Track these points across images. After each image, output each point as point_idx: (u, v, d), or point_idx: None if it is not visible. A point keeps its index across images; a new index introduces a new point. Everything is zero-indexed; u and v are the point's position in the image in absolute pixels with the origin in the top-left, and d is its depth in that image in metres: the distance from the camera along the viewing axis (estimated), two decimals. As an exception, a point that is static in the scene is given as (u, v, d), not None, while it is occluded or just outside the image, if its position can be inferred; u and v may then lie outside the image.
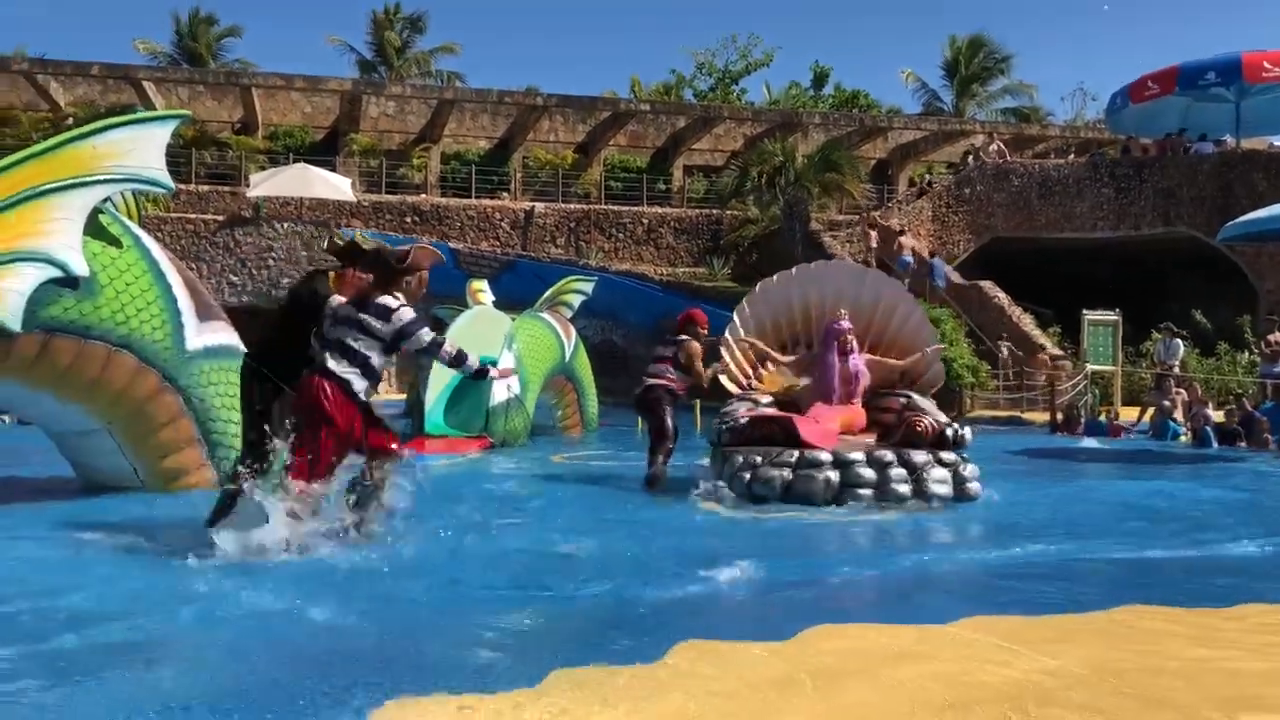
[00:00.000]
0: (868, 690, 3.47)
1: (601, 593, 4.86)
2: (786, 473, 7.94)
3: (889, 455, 8.03)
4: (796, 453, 8.03)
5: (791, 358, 9.45)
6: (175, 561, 5.26)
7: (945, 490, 7.98)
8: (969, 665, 3.76)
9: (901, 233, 25.00)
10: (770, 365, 9.48)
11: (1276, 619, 4.61)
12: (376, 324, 5.62)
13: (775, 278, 10.05)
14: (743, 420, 8.57)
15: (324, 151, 30.36)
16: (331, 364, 5.60)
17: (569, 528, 6.63)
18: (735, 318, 9.92)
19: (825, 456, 7.95)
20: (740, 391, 9.46)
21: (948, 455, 8.18)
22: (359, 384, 5.60)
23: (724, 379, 9.62)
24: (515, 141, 32.15)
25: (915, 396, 9.02)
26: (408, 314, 5.67)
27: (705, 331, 9.01)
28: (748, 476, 8.03)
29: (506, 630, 4.19)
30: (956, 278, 24.10)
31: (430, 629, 4.19)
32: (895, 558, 5.91)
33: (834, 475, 7.88)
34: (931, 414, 8.58)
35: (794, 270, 10.16)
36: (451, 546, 5.87)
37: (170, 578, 4.95)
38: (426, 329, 5.77)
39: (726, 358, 9.75)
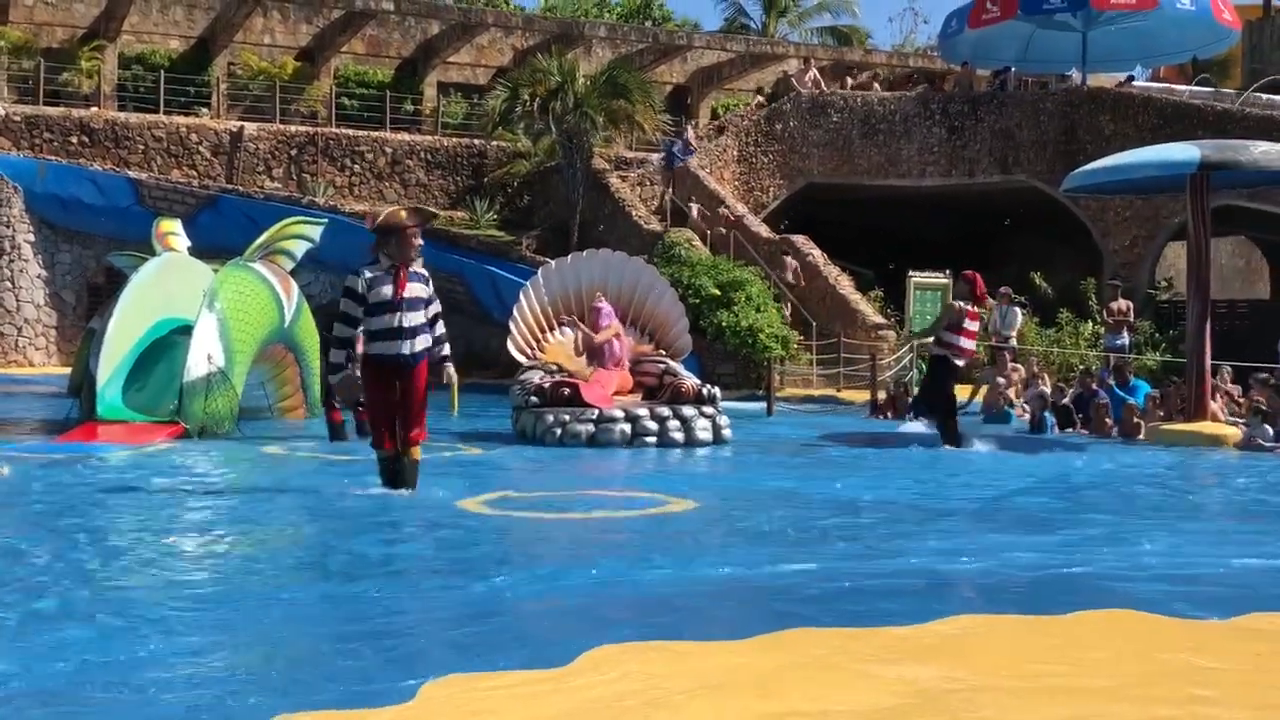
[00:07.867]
0: None
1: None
2: (590, 426, 12.31)
3: (666, 411, 12.68)
4: (597, 411, 12.35)
5: (574, 334, 13.81)
6: None
7: (708, 436, 12.68)
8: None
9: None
10: (550, 337, 14.03)
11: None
12: None
13: (556, 262, 14.87)
14: (546, 386, 12.84)
15: (-43, 48, 28.46)
16: None
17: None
18: (529, 293, 14.11)
19: (619, 413, 12.38)
20: (528, 361, 13.78)
21: (708, 409, 12.85)
22: None
23: (512, 349, 13.81)
24: (218, 43, 31.03)
25: (671, 363, 13.79)
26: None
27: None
28: (559, 431, 12.32)
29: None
30: (738, 207, 25.08)
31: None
32: (690, 565, 6.07)
33: (627, 428, 12.38)
34: (689, 378, 13.55)
35: (569, 257, 15.01)
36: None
37: None
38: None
39: (514, 331, 13.91)
